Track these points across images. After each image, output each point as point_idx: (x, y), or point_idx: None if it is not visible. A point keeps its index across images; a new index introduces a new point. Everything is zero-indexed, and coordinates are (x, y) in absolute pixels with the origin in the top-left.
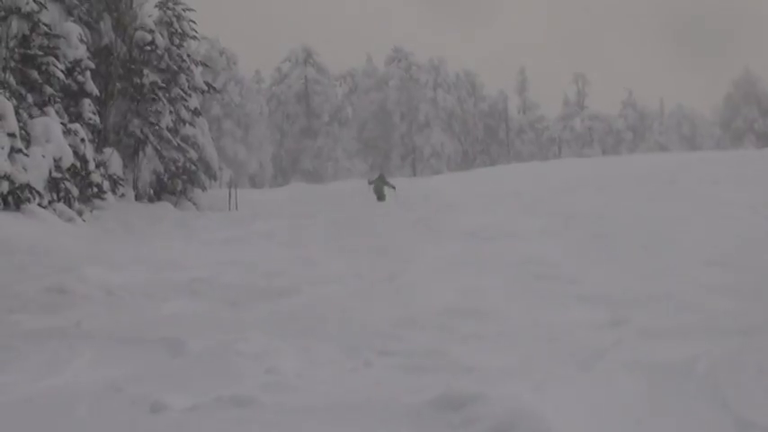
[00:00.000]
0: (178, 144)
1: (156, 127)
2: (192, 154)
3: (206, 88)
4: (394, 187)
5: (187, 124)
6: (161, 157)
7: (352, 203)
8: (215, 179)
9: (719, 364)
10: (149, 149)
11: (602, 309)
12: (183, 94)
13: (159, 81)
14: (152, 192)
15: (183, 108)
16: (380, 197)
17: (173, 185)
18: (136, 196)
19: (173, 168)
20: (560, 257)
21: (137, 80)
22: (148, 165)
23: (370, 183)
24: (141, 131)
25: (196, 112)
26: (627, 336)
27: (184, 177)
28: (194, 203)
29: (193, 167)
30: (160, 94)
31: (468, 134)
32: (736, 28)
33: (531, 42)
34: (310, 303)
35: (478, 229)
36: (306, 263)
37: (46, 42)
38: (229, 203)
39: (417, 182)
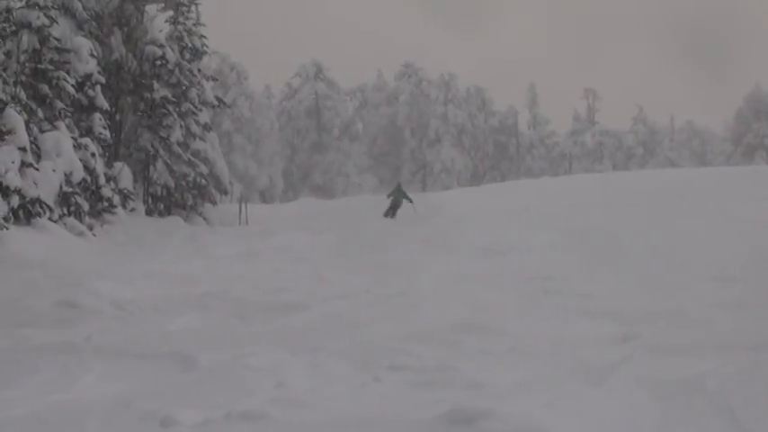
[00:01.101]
0: (188, 159)
1: (167, 141)
2: (203, 168)
3: (216, 103)
4: (411, 200)
5: (197, 139)
6: (171, 171)
7: (363, 219)
8: (225, 194)
9: (729, 381)
10: (160, 164)
11: (611, 324)
12: (194, 109)
13: (170, 96)
14: (162, 206)
15: (193, 122)
16: (392, 212)
17: (183, 200)
18: (146, 210)
19: (183, 183)
20: (570, 273)
21: (147, 95)
22: (159, 179)
23: (388, 196)
24: (152, 146)
25: (206, 127)
26: (637, 351)
27: (195, 192)
28: (204, 218)
29: (204, 182)
30: (170, 108)
31: (479, 149)
32: (749, 43)
33: (540, 56)
34: (320, 319)
35: (488, 244)
36: (316, 278)
37: (56, 57)
38: (239, 218)
39: (427, 197)
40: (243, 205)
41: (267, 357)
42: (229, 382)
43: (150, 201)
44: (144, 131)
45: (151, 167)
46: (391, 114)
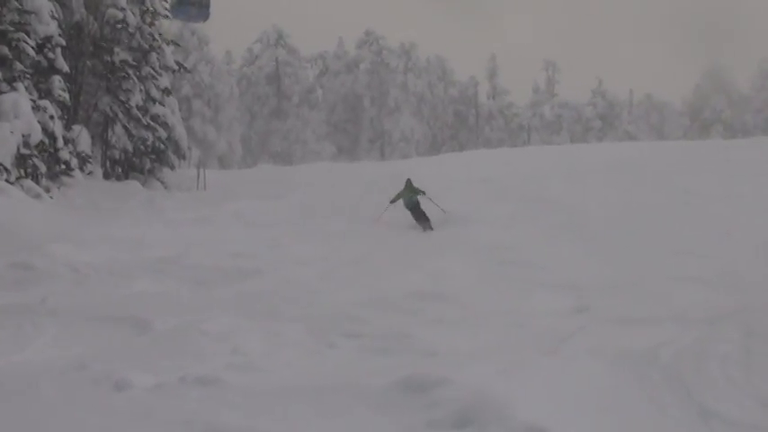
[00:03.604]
0: (147, 123)
1: (126, 105)
2: (162, 133)
3: (177, 68)
4: (424, 192)
5: (157, 103)
6: (130, 135)
7: (321, 186)
8: (184, 159)
9: (684, 353)
10: (118, 128)
11: (568, 295)
12: (154, 73)
13: (130, 59)
14: (120, 170)
15: (153, 87)
16: (421, 216)
17: (141, 164)
18: (104, 174)
19: (141, 147)
20: (528, 244)
21: (107, 58)
22: (117, 143)
23: (392, 201)
24: (111, 109)
25: (166, 92)
26: (592, 322)
27: (153, 156)
28: (162, 183)
29: (162, 147)
30: (130, 72)
31: (438, 119)
32: (714, 20)
33: (505, 31)
34: (276, 285)
35: (446, 214)
36: (273, 245)
37: (17, 18)
38: (198, 183)
39: (385, 166)
40: (201, 171)
41: (223, 323)
42: (184, 346)
43: (108, 164)
44: (103, 95)
45: (110, 131)
46: (351, 82)
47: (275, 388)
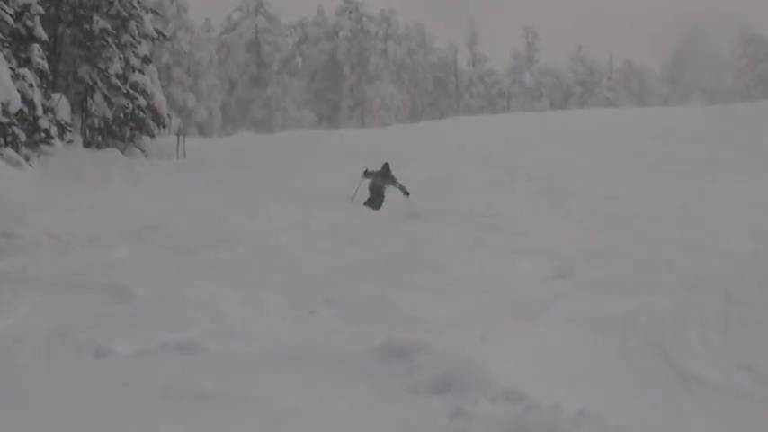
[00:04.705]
0: (127, 91)
1: (106, 73)
2: (141, 101)
3: (156, 35)
4: (407, 193)
5: (136, 71)
6: (110, 103)
7: (301, 154)
8: (164, 127)
9: (662, 318)
10: (98, 96)
11: (547, 262)
12: (133, 41)
13: (109, 27)
14: (100, 138)
15: (132, 55)
16: (375, 201)
17: (121, 132)
18: (84, 143)
19: (121, 115)
20: (508, 211)
21: (86, 26)
22: (97, 111)
23: (366, 175)
24: (90, 77)
25: (146, 60)
26: (571, 289)
27: (133, 124)
28: (142, 151)
29: (142, 115)
30: (110, 40)
31: (418, 86)
32: None
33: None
34: (257, 252)
35: (427, 181)
36: (254, 212)
37: None
38: (177, 151)
39: (366, 133)
40: (181, 138)
41: (203, 290)
42: (165, 313)
43: (88, 133)
44: (82, 63)
45: (89, 99)
46: (331, 50)
47: (256, 354)
